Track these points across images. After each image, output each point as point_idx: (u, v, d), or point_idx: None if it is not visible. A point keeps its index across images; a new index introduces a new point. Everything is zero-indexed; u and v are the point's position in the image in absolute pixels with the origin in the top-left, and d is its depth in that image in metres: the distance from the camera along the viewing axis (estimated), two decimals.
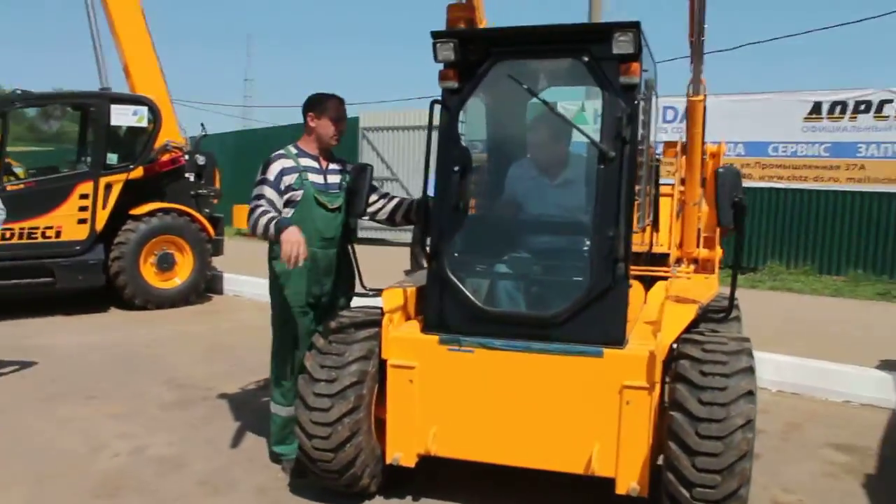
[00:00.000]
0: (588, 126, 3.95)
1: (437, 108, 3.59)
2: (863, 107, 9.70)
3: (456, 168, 3.48)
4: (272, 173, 3.84)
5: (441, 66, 3.49)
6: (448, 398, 3.42)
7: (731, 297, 3.47)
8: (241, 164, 15.63)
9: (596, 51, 3.27)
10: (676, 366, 3.15)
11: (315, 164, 3.97)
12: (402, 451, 3.49)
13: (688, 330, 3.32)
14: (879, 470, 4.19)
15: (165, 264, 8.62)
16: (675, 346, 3.25)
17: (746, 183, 6.11)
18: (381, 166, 14.47)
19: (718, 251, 5.21)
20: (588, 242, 3.43)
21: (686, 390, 3.04)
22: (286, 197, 3.85)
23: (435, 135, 3.60)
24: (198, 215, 8.85)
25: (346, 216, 4.03)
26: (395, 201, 4.17)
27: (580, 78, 3.48)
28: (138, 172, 8.55)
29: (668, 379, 3.23)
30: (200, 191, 9.24)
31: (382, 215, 4.15)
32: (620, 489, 3.22)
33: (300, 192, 3.87)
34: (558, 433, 3.30)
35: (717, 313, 3.59)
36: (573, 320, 3.29)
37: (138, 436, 4.57)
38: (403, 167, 14.28)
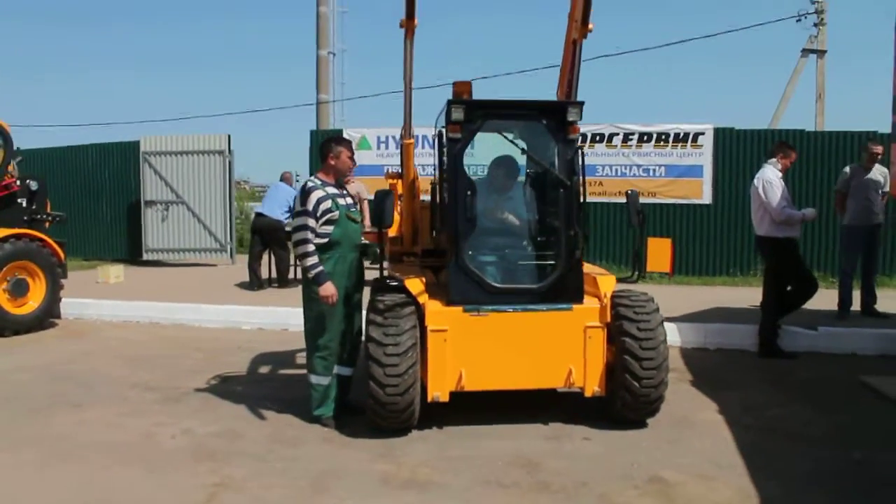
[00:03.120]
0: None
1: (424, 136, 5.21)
2: (598, 137, 12.90)
3: (468, 192, 5.14)
4: (311, 204, 5.14)
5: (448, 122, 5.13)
6: (472, 349, 5.04)
7: (639, 266, 5.55)
8: None
9: (554, 117, 5.17)
10: (618, 311, 5.13)
11: (336, 191, 5.34)
12: (439, 391, 5.03)
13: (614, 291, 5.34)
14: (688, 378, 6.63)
15: (19, 290, 8.71)
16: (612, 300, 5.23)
17: None
18: (165, 190, 14.80)
19: None
20: (557, 239, 5.30)
21: (629, 324, 5.02)
22: (323, 219, 5.17)
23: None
24: (49, 240, 9.03)
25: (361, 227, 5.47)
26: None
27: (543, 134, 5.35)
28: None
29: (609, 321, 5.19)
30: (35, 216, 9.38)
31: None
32: (588, 392, 5.13)
33: (336, 213, 5.21)
34: (547, 362, 5.11)
35: (626, 280, 5.66)
36: (552, 289, 5.14)
37: (171, 423, 5.35)
38: (189, 190, 14.75)
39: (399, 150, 6.63)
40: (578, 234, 5.18)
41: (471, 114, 5.12)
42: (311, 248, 5.09)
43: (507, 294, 5.14)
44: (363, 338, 5.23)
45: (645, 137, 13.09)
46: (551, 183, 5.40)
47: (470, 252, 5.20)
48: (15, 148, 9.51)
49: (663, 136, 13.00)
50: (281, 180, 11.95)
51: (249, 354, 7.62)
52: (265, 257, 11.51)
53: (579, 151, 5.24)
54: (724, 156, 12.80)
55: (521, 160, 5.69)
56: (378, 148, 14.30)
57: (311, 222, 5.12)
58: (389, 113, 77.72)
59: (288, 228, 11.29)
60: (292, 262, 11.83)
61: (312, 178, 5.41)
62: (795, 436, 5.10)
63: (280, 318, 9.22)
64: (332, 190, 5.30)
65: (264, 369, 7.08)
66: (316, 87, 18.78)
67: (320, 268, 5.10)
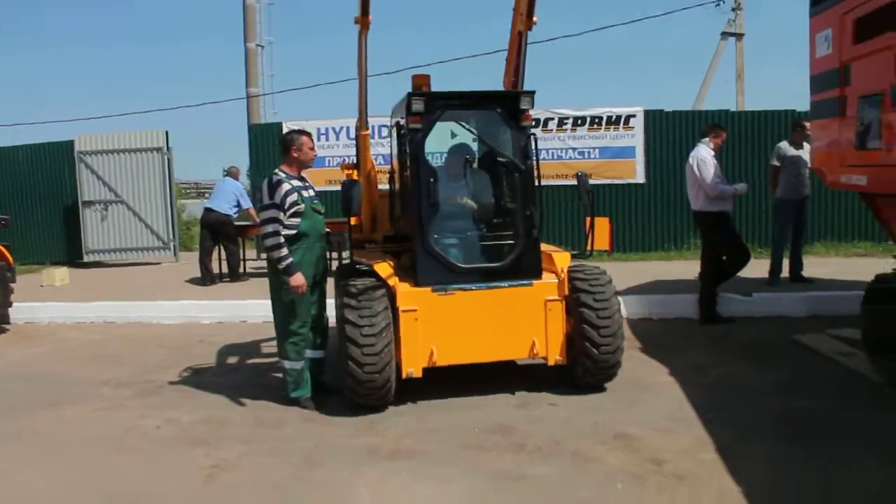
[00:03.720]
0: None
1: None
2: (534, 122, 13.25)
3: (431, 179, 5.43)
4: (278, 196, 5.33)
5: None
6: (441, 326, 5.36)
7: (590, 242, 5.93)
8: None
9: (508, 106, 5.52)
10: (574, 285, 5.52)
11: (301, 183, 5.56)
12: (413, 367, 5.34)
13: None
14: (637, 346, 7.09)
15: None
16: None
17: None
18: (103, 190, 14.61)
19: None
20: (515, 220, 5.65)
21: (586, 296, 5.42)
22: (291, 211, 5.37)
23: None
24: None
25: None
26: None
27: (498, 122, 5.68)
28: None
29: (567, 294, 5.57)
30: None
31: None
32: (551, 361, 5.52)
33: (303, 206, 5.43)
34: (512, 335, 5.47)
35: (579, 255, 6.05)
36: (513, 266, 5.50)
37: (153, 415, 5.49)
38: (127, 189, 14.58)
39: (355, 141, 6.89)
40: (535, 214, 5.55)
41: (431, 105, 5.42)
42: (281, 240, 5.29)
43: (472, 273, 5.48)
44: (338, 321, 5.49)
45: (579, 121, 13.60)
46: (507, 167, 5.75)
47: (435, 236, 5.51)
48: None
49: (596, 120, 13.53)
50: (227, 175, 12.01)
51: (214, 347, 7.75)
52: (216, 252, 11.58)
53: (532, 137, 5.59)
54: (654, 137, 13.43)
55: (476, 147, 6.02)
56: (318, 140, 14.39)
57: (280, 215, 5.31)
58: (320, 104, 77.23)
59: (251, 222, 11.44)
60: (243, 255, 11.96)
61: (277, 171, 5.57)
62: (741, 390, 5.61)
63: (238, 311, 9.35)
64: (296, 183, 5.51)
65: (232, 360, 7.25)
66: (245, 81, 18.65)
67: (290, 259, 5.31)
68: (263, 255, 5.39)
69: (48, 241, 15.55)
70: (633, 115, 13.47)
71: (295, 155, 5.57)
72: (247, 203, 11.57)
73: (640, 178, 13.48)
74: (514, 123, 5.57)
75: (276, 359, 7.07)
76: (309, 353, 5.67)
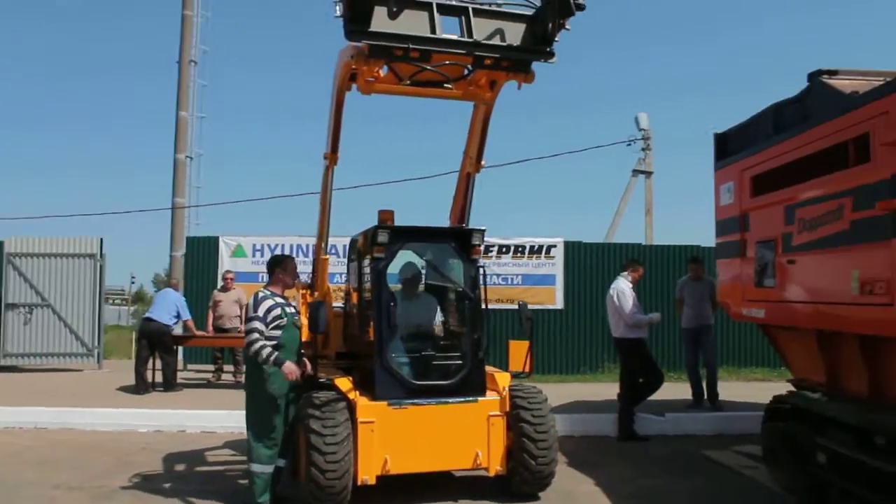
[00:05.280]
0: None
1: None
2: None
3: (392, 303, 6.09)
4: (261, 310, 5.90)
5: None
6: (395, 437, 5.89)
7: (528, 363, 6.63)
8: None
9: (461, 241, 6.31)
10: (515, 402, 6.17)
11: (283, 301, 6.14)
12: (367, 474, 5.81)
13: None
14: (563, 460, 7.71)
15: None
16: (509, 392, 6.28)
17: None
18: (30, 293, 14.55)
19: None
20: (463, 342, 6.32)
21: (525, 412, 6.08)
22: (273, 325, 5.92)
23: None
24: None
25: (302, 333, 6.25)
26: None
27: (451, 254, 6.45)
28: None
29: (507, 410, 6.20)
30: None
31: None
32: (492, 472, 6.09)
33: (284, 320, 5.99)
34: (458, 446, 6.04)
35: (518, 375, 6.72)
36: (460, 384, 6.14)
37: None
38: (55, 293, 14.58)
39: (312, 263, 7.52)
40: (482, 337, 6.25)
41: (394, 238, 6.15)
42: (263, 342, 5.78)
43: (424, 390, 6.07)
44: (297, 430, 5.95)
45: (504, 249, 14.61)
46: (457, 295, 6.48)
47: (392, 354, 6.11)
48: None
49: (520, 249, 14.59)
50: (168, 286, 12.33)
51: (158, 455, 7.93)
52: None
53: (480, 269, 6.37)
54: (573, 266, 14.53)
55: (424, 271, 6.80)
56: (253, 255, 14.88)
57: (262, 326, 5.84)
58: (243, 218, 77.72)
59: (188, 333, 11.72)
60: (179, 366, 12.13)
61: (262, 289, 6.14)
62: (662, 498, 6.30)
63: (177, 420, 9.51)
64: (279, 300, 6.09)
65: (180, 467, 7.47)
66: (172, 191, 18.43)
67: (276, 353, 5.79)
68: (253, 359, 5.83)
69: None
70: (554, 246, 14.60)
71: (280, 276, 6.16)
72: (186, 314, 11.86)
73: (559, 303, 14.46)
74: (466, 256, 6.36)
75: (222, 467, 7.46)
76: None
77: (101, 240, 14.87)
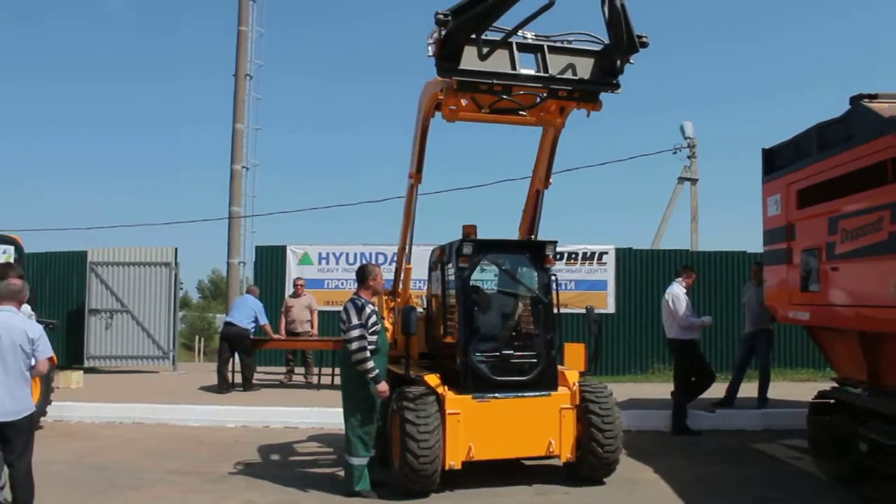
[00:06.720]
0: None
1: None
2: None
3: (475, 308, 6.86)
4: (364, 317, 6.64)
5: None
6: (478, 427, 6.63)
7: (593, 360, 7.33)
8: None
9: (535, 252, 7.05)
10: (584, 396, 6.88)
11: (375, 307, 6.91)
12: (454, 460, 6.55)
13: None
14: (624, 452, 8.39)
15: None
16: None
17: None
18: (110, 299, 15.63)
19: None
20: (538, 342, 7.05)
21: (593, 405, 6.78)
22: (371, 329, 6.68)
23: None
24: None
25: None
26: None
27: (527, 264, 7.19)
28: None
29: (577, 403, 6.91)
30: None
31: None
32: (563, 458, 6.81)
33: (379, 325, 6.77)
34: (534, 436, 6.76)
35: (585, 373, 7.42)
36: (536, 380, 6.86)
37: (231, 497, 6.54)
38: (133, 299, 15.63)
39: (395, 271, 8.30)
40: (554, 338, 6.98)
41: (477, 250, 6.92)
42: (368, 354, 6.51)
43: (504, 384, 6.81)
44: (392, 421, 6.72)
45: (557, 256, 15.25)
46: (532, 300, 7.22)
47: (476, 353, 6.86)
48: None
49: (573, 255, 15.25)
50: (247, 293, 13.26)
51: (251, 447, 8.74)
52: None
53: (553, 277, 7.09)
54: (624, 271, 15.15)
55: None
56: (319, 263, 15.76)
57: (365, 332, 6.58)
58: (298, 227, 79.22)
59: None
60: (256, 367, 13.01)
61: (357, 296, 6.80)
62: (717, 484, 6.97)
63: (261, 416, 10.35)
64: (373, 307, 6.86)
65: (275, 457, 8.29)
66: (229, 200, 19.21)
67: (377, 371, 6.54)
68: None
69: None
70: (606, 252, 15.23)
71: (371, 283, 6.92)
72: (264, 319, 12.74)
73: (610, 308, 15.07)
74: (539, 265, 7.09)
75: (312, 457, 8.24)
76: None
77: (176, 249, 15.88)
